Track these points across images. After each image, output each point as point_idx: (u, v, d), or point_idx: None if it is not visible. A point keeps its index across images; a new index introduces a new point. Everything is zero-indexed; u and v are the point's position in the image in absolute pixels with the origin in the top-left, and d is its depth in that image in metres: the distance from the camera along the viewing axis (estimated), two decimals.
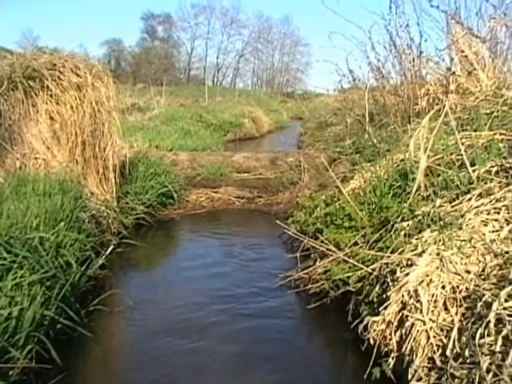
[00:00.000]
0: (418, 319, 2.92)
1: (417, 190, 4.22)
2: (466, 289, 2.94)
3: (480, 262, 3.11)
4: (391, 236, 3.95)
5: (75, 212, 4.97)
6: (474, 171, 4.00)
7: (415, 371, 2.77)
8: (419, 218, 3.90)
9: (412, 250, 3.41)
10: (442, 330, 2.85)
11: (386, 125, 7.67)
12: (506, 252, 3.04)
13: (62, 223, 4.51)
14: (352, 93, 11.29)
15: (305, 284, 4.65)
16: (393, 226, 4.09)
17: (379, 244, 4.06)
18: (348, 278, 4.02)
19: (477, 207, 3.58)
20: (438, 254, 3.17)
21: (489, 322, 2.49)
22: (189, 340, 3.82)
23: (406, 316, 2.99)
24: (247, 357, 3.66)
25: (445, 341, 2.77)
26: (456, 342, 2.65)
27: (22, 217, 4.29)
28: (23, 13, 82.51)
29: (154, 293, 4.79)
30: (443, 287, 2.98)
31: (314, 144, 10.89)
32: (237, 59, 74.08)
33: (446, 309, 2.92)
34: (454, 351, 2.62)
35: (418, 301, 2.97)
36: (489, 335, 2.46)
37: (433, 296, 2.96)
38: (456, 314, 2.85)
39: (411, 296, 3.02)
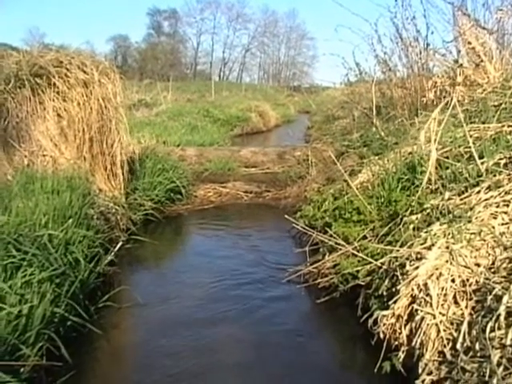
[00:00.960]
0: (428, 313, 2.91)
1: (425, 183, 4.21)
2: (476, 282, 2.93)
3: (490, 255, 3.09)
4: (400, 229, 3.95)
5: (84, 209, 4.98)
6: (482, 164, 3.98)
7: (425, 365, 2.77)
8: (428, 211, 3.89)
9: (421, 244, 3.40)
10: (452, 323, 2.84)
11: (393, 118, 7.67)
12: None
13: (71, 220, 4.52)
14: (359, 86, 11.27)
15: (314, 278, 4.65)
16: (401, 219, 4.08)
17: (388, 238, 4.05)
18: (357, 271, 4.01)
19: (486, 200, 3.56)
20: (447, 248, 3.16)
21: (499, 315, 2.48)
22: (198, 336, 3.84)
23: (416, 310, 2.98)
24: (257, 351, 3.67)
25: (455, 334, 2.76)
26: (466, 336, 2.65)
27: (30, 214, 4.30)
28: (29, 10, 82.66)
29: (163, 289, 4.80)
30: (453, 280, 2.97)
31: (322, 138, 10.87)
32: (243, 54, 74.07)
33: (455, 302, 2.91)
34: (465, 345, 2.61)
35: (428, 294, 2.95)
36: (499, 328, 2.45)
37: (442, 289, 2.95)
38: (466, 307, 2.85)
39: (421, 290, 3.01)
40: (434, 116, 4.35)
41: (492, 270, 2.96)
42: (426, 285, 3.00)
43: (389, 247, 3.78)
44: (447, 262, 3.07)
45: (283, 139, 16.66)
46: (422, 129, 4.62)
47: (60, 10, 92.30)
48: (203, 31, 71.33)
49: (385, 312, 3.18)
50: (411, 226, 3.83)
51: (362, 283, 3.94)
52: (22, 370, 2.95)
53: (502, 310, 2.48)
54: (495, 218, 3.35)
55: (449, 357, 2.69)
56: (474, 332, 2.62)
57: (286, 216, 5.25)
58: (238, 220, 7.60)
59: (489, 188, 3.70)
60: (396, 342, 3.13)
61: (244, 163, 9.22)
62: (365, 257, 3.98)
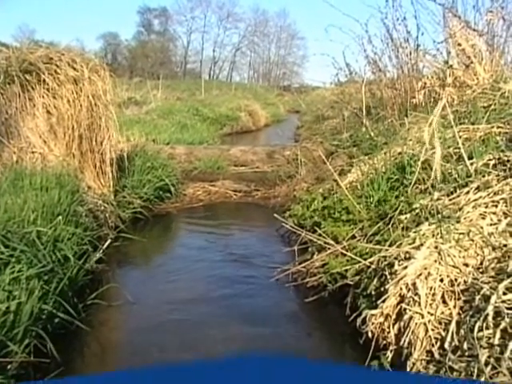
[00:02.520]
0: (417, 312, 2.92)
1: (414, 183, 4.23)
2: (465, 282, 2.94)
3: (478, 255, 3.11)
4: (389, 229, 3.96)
5: (72, 206, 4.96)
6: (471, 164, 4.00)
7: (413, 364, 2.78)
8: (417, 211, 3.90)
9: (410, 243, 3.41)
10: (440, 323, 2.85)
11: (382, 118, 7.69)
12: (504, 245, 3.05)
13: (60, 217, 4.50)
14: (349, 86, 11.29)
15: (302, 277, 4.64)
16: (390, 219, 4.09)
17: (377, 237, 4.06)
18: (346, 271, 4.01)
19: (475, 200, 3.58)
20: (436, 247, 3.18)
21: (487, 315, 2.49)
22: (186, 333, 3.83)
23: (405, 309, 2.99)
24: (243, 350, 3.66)
25: (443, 334, 2.77)
26: (454, 335, 2.66)
27: (19, 211, 4.28)
28: (19, 7, 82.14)
29: (151, 286, 4.79)
30: (441, 280, 2.98)
31: (311, 137, 10.86)
32: (233, 53, 74.06)
33: (444, 302, 2.92)
34: (453, 344, 2.62)
35: (416, 294, 2.97)
36: (487, 328, 2.46)
37: (431, 289, 2.96)
38: (454, 307, 2.86)
39: (409, 289, 3.02)
40: (435, 113, 4.34)
41: (480, 270, 2.98)
42: (414, 284, 3.02)
43: (377, 247, 3.78)
44: (436, 261, 3.08)
45: (273, 138, 16.66)
46: (419, 128, 4.64)
47: (50, 7, 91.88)
48: (193, 30, 71.31)
49: (373, 311, 3.19)
50: (400, 226, 3.84)
51: (351, 282, 3.94)
52: (9, 366, 2.94)
53: (490, 309, 2.50)
54: (484, 219, 3.37)
55: (437, 356, 2.70)
56: (462, 331, 2.63)
57: (275, 215, 5.25)
58: (227, 219, 7.59)
59: (478, 188, 3.72)
60: (384, 341, 3.14)
61: (233, 162, 9.22)
62: (353, 256, 3.98)
